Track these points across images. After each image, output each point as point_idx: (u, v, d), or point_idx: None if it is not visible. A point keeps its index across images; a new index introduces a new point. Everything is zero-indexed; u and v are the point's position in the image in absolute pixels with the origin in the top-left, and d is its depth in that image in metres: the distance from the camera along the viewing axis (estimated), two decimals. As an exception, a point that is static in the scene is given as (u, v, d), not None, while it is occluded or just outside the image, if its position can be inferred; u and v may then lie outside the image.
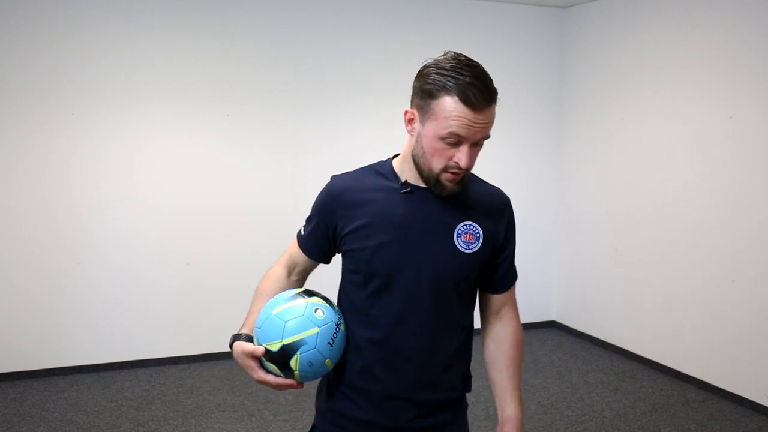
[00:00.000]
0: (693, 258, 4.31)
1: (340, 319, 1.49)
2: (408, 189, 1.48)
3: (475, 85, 1.35)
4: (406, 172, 1.50)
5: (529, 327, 5.64)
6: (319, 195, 1.59)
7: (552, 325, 5.70)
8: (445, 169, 1.41)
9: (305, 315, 1.43)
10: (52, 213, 4.35)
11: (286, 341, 1.41)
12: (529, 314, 5.65)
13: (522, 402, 1.60)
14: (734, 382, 4.07)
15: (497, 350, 1.62)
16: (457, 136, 1.37)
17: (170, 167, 4.56)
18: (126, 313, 4.55)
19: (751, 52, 3.89)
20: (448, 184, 1.43)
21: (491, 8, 5.26)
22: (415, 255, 1.47)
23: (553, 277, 5.69)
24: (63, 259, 4.39)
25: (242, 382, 4.25)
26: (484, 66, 1.44)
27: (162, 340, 4.63)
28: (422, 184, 1.48)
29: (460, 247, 1.49)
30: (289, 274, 1.63)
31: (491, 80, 1.39)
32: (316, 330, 1.42)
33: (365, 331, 1.51)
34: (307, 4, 4.78)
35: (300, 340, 1.41)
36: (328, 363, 1.46)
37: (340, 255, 1.61)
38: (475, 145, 1.43)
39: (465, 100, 1.34)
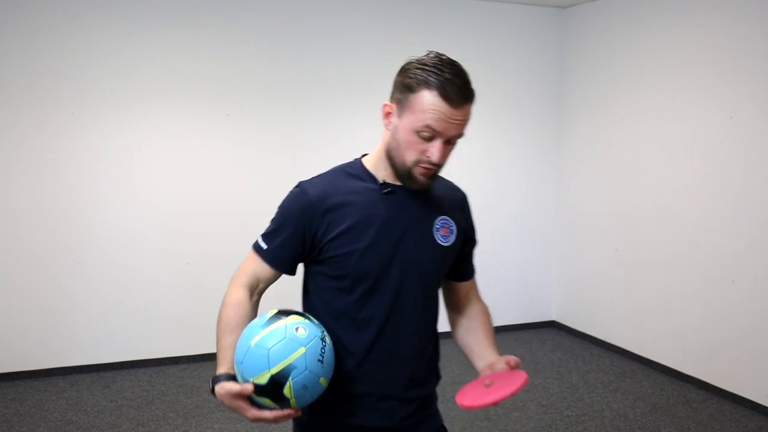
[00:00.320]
0: (693, 258, 4.31)
1: (323, 332, 1.41)
2: (389, 189, 1.50)
3: (454, 82, 1.39)
4: (381, 171, 1.51)
5: (529, 327, 5.64)
6: (289, 203, 1.51)
7: (552, 325, 5.70)
8: (417, 163, 1.43)
9: (287, 337, 1.34)
10: (52, 213, 4.35)
11: (274, 370, 1.31)
12: (529, 314, 5.65)
13: None
14: (734, 382, 4.07)
15: (471, 321, 1.68)
16: (432, 130, 1.39)
17: (170, 167, 4.56)
18: (126, 313, 4.54)
19: (751, 52, 3.89)
20: (420, 178, 1.45)
21: (491, 8, 5.27)
22: (401, 254, 1.49)
23: (553, 277, 5.69)
24: (63, 259, 4.39)
25: (242, 382, 4.25)
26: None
27: (162, 340, 4.63)
28: (400, 183, 1.50)
29: (439, 242, 1.54)
30: (251, 294, 1.52)
31: (470, 80, 1.44)
32: (302, 350, 1.34)
33: (354, 335, 1.50)
34: (307, 4, 4.78)
35: (289, 365, 1.32)
36: (323, 381, 1.38)
37: (309, 263, 1.55)
38: (449, 143, 1.45)
39: (443, 94, 1.38)
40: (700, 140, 4.24)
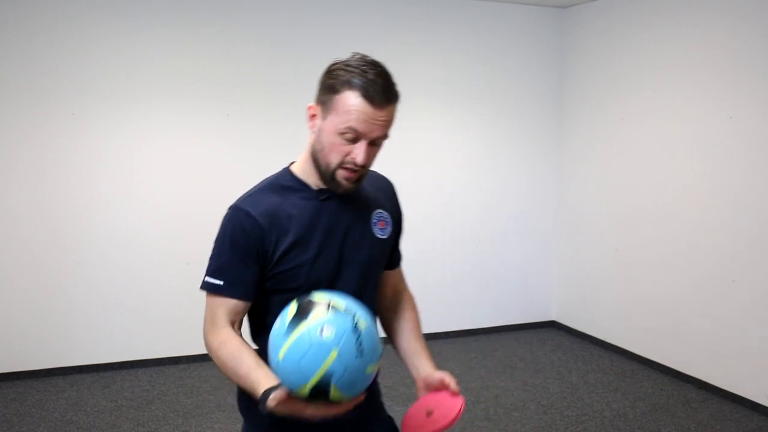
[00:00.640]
0: (693, 258, 4.31)
1: (354, 318, 1.28)
2: (325, 196, 1.50)
3: (377, 83, 1.38)
4: (312, 177, 1.50)
5: (529, 327, 5.64)
6: (234, 228, 1.45)
7: (552, 325, 5.70)
8: (341, 165, 1.43)
9: (313, 344, 1.23)
10: (52, 213, 4.35)
11: (312, 382, 1.22)
12: (529, 314, 5.66)
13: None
14: (734, 382, 4.07)
15: (401, 319, 1.72)
16: (355, 131, 1.39)
17: (170, 167, 4.56)
18: (126, 313, 4.54)
19: (751, 52, 3.89)
20: (343, 182, 1.45)
21: (491, 8, 5.26)
22: (348, 255, 1.51)
23: (553, 277, 5.69)
24: (63, 259, 4.39)
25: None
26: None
27: (162, 340, 4.63)
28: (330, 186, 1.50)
29: (378, 236, 1.57)
30: (234, 330, 1.48)
31: (394, 81, 1.43)
32: (334, 354, 1.22)
33: None
34: (307, 4, 4.78)
35: (325, 374, 1.22)
36: (370, 369, 1.27)
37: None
38: (373, 144, 1.44)
39: (365, 95, 1.37)
40: (700, 140, 4.24)
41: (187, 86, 4.56)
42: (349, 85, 1.39)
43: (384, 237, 1.58)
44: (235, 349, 1.40)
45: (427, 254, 5.27)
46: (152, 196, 4.54)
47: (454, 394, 1.53)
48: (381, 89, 1.39)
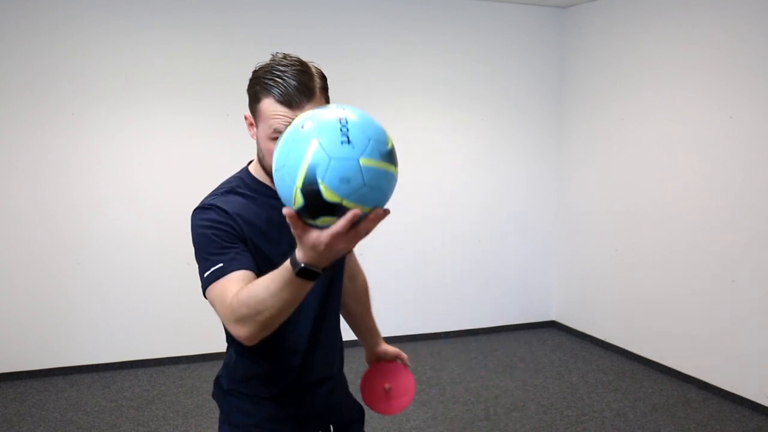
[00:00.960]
0: (693, 258, 4.31)
1: (339, 110, 1.16)
2: None
3: (290, 85, 1.39)
4: (267, 178, 1.54)
5: (529, 327, 5.64)
6: (210, 225, 1.44)
7: (552, 325, 5.70)
8: None
9: (295, 139, 1.11)
10: (52, 213, 4.35)
11: (299, 182, 1.10)
12: (529, 314, 5.66)
13: None
14: (734, 382, 4.07)
15: (356, 299, 1.87)
16: (280, 134, 1.38)
17: (170, 167, 4.56)
18: (126, 313, 4.55)
19: (751, 52, 3.89)
20: None
21: (491, 8, 5.27)
22: None
23: (553, 277, 5.69)
24: (63, 259, 4.39)
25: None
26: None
27: (162, 340, 4.63)
28: None
29: None
30: None
31: (312, 77, 1.42)
32: (314, 143, 1.09)
33: (293, 333, 1.52)
34: (307, 4, 4.78)
35: (309, 167, 1.09)
36: (366, 161, 1.11)
37: None
38: None
39: (282, 100, 1.39)
40: (700, 140, 4.24)
41: (187, 86, 4.56)
42: (266, 92, 1.41)
43: None
44: (249, 285, 1.32)
45: (427, 254, 5.27)
46: (152, 196, 4.54)
47: (405, 369, 1.67)
48: (296, 90, 1.39)
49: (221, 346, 5.13)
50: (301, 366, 1.56)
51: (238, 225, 1.46)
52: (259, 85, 1.43)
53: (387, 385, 1.65)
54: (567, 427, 3.71)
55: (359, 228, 1.12)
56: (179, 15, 4.50)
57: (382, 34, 4.99)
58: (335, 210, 1.09)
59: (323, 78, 1.46)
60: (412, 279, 5.23)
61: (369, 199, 1.11)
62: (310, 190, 1.08)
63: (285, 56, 1.45)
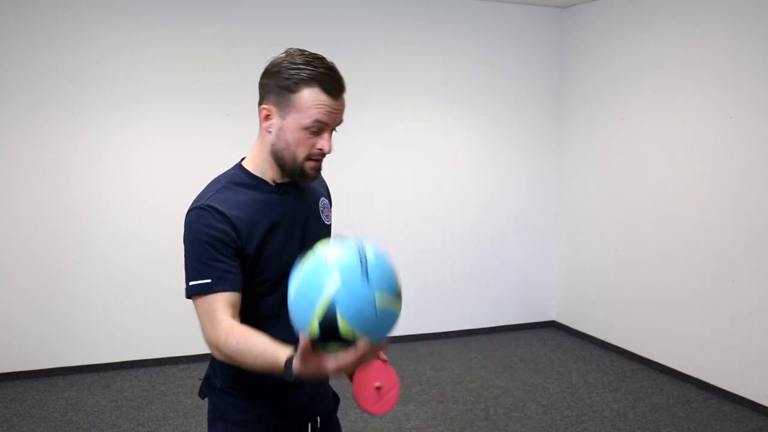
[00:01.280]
0: (693, 258, 4.31)
1: (359, 244, 1.24)
2: (284, 190, 1.57)
3: (330, 75, 1.47)
4: (268, 173, 1.56)
5: (529, 327, 5.64)
6: (206, 230, 1.45)
7: (552, 325, 5.70)
8: (308, 158, 1.51)
9: (318, 270, 1.18)
10: (52, 213, 4.35)
11: (319, 313, 1.15)
12: (529, 314, 5.66)
13: None
14: (734, 382, 4.07)
15: None
16: (321, 123, 1.47)
17: (170, 167, 4.56)
18: (126, 313, 4.54)
19: (751, 52, 3.89)
20: (311, 172, 1.53)
21: (491, 8, 5.27)
22: (308, 243, 1.55)
23: (553, 277, 5.69)
24: (63, 259, 4.39)
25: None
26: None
27: (162, 340, 4.63)
28: (284, 180, 1.57)
29: (325, 222, 1.68)
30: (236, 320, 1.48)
31: (339, 70, 1.52)
32: (336, 277, 1.15)
33: (284, 329, 1.49)
34: (307, 4, 4.78)
35: (330, 301, 1.14)
36: (382, 301, 1.17)
37: None
38: (332, 132, 1.53)
39: (324, 89, 1.45)
40: (700, 140, 4.24)
41: (187, 86, 4.56)
42: (305, 82, 1.45)
43: (329, 223, 1.70)
44: (244, 334, 1.39)
45: (427, 254, 5.27)
46: (152, 196, 4.54)
47: (384, 363, 1.61)
48: (336, 81, 1.48)
49: (221, 346, 5.10)
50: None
51: (234, 229, 1.47)
52: (294, 76, 1.45)
53: (377, 384, 1.66)
54: (567, 427, 3.71)
55: (361, 357, 1.23)
56: (179, 15, 4.50)
57: (382, 34, 4.99)
58: (346, 340, 1.17)
59: None
60: (412, 279, 5.22)
61: (377, 332, 1.18)
62: (329, 322, 1.15)
63: (303, 51, 1.50)
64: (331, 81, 1.46)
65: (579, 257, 5.41)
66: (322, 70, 1.46)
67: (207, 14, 4.56)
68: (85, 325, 4.47)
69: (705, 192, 4.22)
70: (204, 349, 4.81)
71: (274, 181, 1.57)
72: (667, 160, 4.49)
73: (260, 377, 1.52)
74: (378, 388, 1.59)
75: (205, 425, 3.78)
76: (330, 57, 1.58)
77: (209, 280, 1.44)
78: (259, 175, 1.57)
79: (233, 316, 1.45)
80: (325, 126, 1.48)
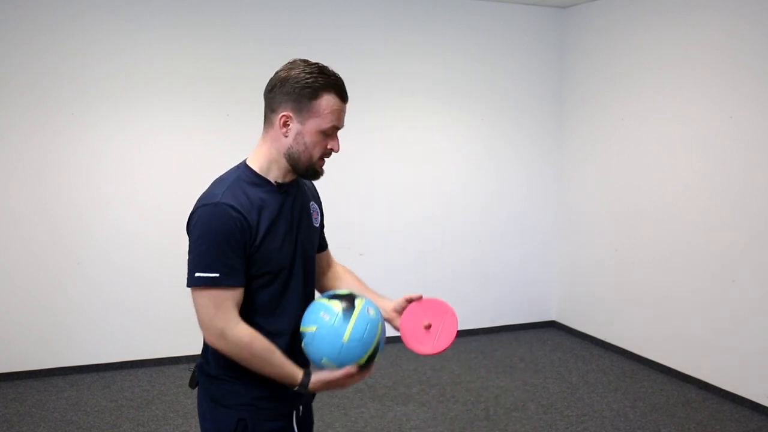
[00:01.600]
0: (693, 258, 4.31)
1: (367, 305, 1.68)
2: (284, 190, 1.70)
3: (341, 82, 1.65)
4: (273, 173, 1.69)
5: (529, 327, 5.64)
6: (223, 223, 1.56)
7: (552, 325, 5.70)
8: (321, 157, 1.68)
9: (369, 322, 1.63)
10: (52, 213, 4.35)
11: (369, 352, 1.63)
12: (529, 314, 5.66)
13: None
14: (734, 382, 4.07)
15: (342, 278, 1.97)
16: (335, 127, 1.65)
17: (170, 167, 4.56)
18: (126, 313, 4.54)
19: (751, 52, 3.89)
20: (321, 170, 1.71)
21: (491, 8, 5.27)
22: (300, 241, 1.72)
23: (553, 276, 5.69)
24: (63, 259, 4.39)
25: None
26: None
27: (162, 340, 4.63)
28: (285, 180, 1.70)
29: (314, 224, 1.81)
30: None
31: None
32: (381, 325, 1.66)
33: (280, 318, 1.68)
34: (307, 4, 4.78)
35: (377, 342, 1.64)
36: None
37: None
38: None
39: (339, 95, 1.63)
40: (700, 140, 4.24)
41: (187, 86, 4.56)
42: (325, 89, 1.61)
43: (317, 225, 1.83)
44: (267, 344, 1.60)
45: (427, 254, 5.27)
46: (152, 196, 4.54)
47: (430, 300, 1.84)
48: (343, 86, 1.66)
49: (221, 346, 5.08)
50: (288, 347, 1.67)
51: (246, 225, 1.58)
52: (311, 84, 1.59)
53: (425, 322, 1.77)
54: (567, 427, 3.71)
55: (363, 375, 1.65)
56: (179, 15, 4.50)
57: (382, 34, 4.99)
58: (365, 367, 1.65)
59: None
60: (412, 279, 5.22)
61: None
62: (372, 356, 1.63)
63: (307, 61, 1.66)
64: (342, 88, 1.64)
65: (579, 257, 5.41)
66: (333, 78, 1.63)
67: (207, 14, 4.56)
68: (85, 325, 4.47)
69: (705, 192, 4.22)
70: (204, 349, 4.79)
71: (276, 181, 1.68)
72: (667, 160, 4.49)
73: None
74: (427, 327, 1.78)
75: (205, 425, 3.77)
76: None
77: (217, 274, 1.55)
78: (263, 175, 1.68)
79: (238, 310, 1.60)
80: (336, 129, 1.66)
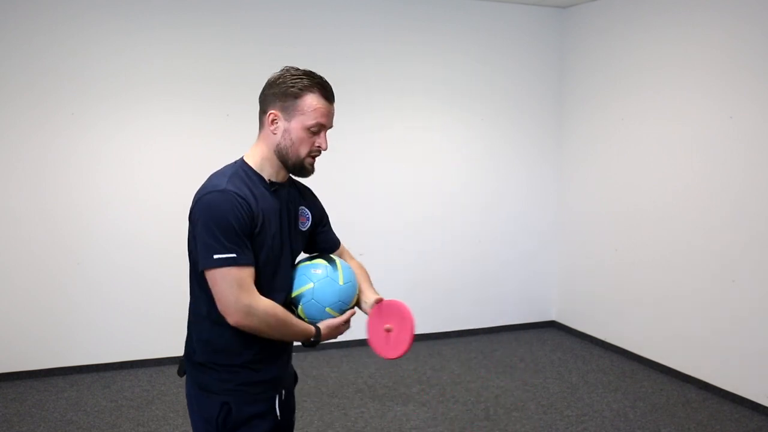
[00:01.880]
0: (693, 258, 4.31)
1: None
2: (276, 188, 1.82)
3: (325, 84, 1.78)
4: (267, 171, 1.81)
5: (529, 327, 5.64)
6: (230, 210, 1.67)
7: (552, 325, 5.70)
8: (309, 154, 1.79)
9: (351, 268, 1.94)
10: (52, 213, 4.35)
11: (358, 289, 1.93)
12: (529, 314, 5.66)
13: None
14: (734, 382, 4.07)
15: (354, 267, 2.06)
16: (321, 125, 1.77)
17: (170, 167, 4.56)
18: (126, 313, 4.54)
19: (751, 52, 3.89)
20: (310, 167, 1.82)
21: (491, 8, 5.27)
22: (287, 237, 1.85)
23: (553, 276, 5.69)
24: (63, 259, 4.39)
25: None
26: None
27: (162, 340, 4.63)
28: (278, 180, 1.83)
29: (301, 228, 1.92)
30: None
31: None
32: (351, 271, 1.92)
33: None
34: (307, 4, 4.78)
35: (356, 296, 1.93)
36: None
37: None
38: (326, 133, 1.82)
39: (323, 95, 1.76)
40: (700, 140, 4.24)
41: (187, 86, 4.56)
42: (308, 89, 1.74)
43: (304, 230, 1.94)
44: (284, 309, 1.75)
45: (427, 254, 5.27)
46: (152, 196, 4.54)
47: (387, 302, 1.89)
48: (330, 89, 1.78)
49: (221, 346, 5.07)
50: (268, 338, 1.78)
51: (250, 212, 1.70)
52: (297, 84, 1.73)
53: (387, 326, 1.83)
54: (567, 427, 3.71)
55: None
56: (179, 15, 4.50)
57: (382, 34, 4.99)
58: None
59: None
60: (412, 279, 5.23)
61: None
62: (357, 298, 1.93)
63: (297, 68, 1.79)
64: (327, 88, 1.77)
65: (579, 257, 5.41)
66: (318, 79, 1.76)
67: (207, 14, 4.56)
68: (85, 325, 4.47)
69: (705, 192, 4.22)
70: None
71: (269, 180, 1.81)
72: (667, 160, 4.49)
73: (236, 352, 1.75)
74: (388, 331, 1.83)
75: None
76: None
77: (234, 255, 1.65)
78: (259, 172, 1.80)
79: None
80: (322, 127, 1.77)
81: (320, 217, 2.02)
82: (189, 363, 1.83)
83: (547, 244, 5.65)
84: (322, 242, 2.03)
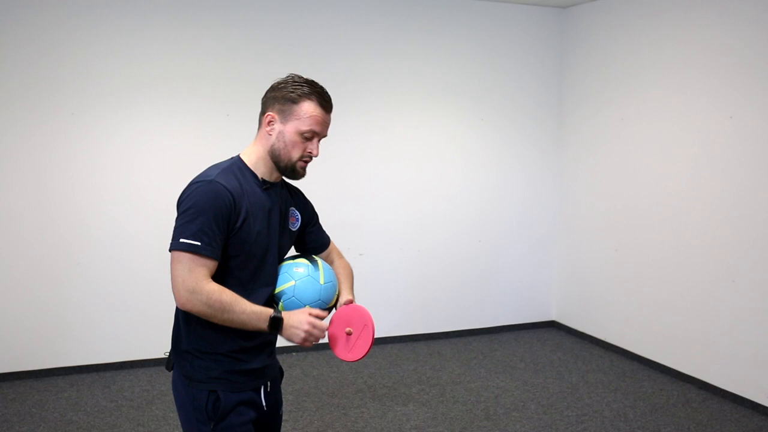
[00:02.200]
0: (693, 258, 4.31)
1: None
2: (267, 186, 1.88)
3: (324, 94, 1.85)
4: (260, 169, 1.88)
5: (529, 327, 5.64)
6: (212, 198, 1.72)
7: (552, 325, 5.70)
8: (300, 158, 1.86)
9: (332, 269, 2.01)
10: (52, 213, 4.35)
11: (338, 290, 1.98)
12: (529, 314, 5.66)
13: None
14: (734, 382, 4.07)
15: (334, 268, 2.11)
16: (314, 132, 1.84)
17: (170, 167, 4.56)
18: (126, 313, 4.54)
19: (751, 52, 3.89)
20: (300, 171, 1.89)
21: (491, 8, 5.27)
22: (274, 236, 1.90)
23: (553, 276, 5.69)
24: (63, 259, 4.39)
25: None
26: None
27: (162, 340, 4.59)
28: (271, 179, 1.89)
29: (291, 228, 1.99)
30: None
31: None
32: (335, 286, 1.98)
33: (250, 300, 1.81)
34: (307, 4, 4.78)
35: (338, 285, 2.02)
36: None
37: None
38: (319, 141, 1.89)
39: (320, 103, 1.83)
40: (700, 140, 4.24)
41: (187, 86, 4.56)
42: (306, 96, 1.81)
43: (293, 230, 2.00)
44: (235, 294, 1.74)
45: (427, 254, 5.27)
46: (152, 196, 4.54)
47: (355, 306, 1.92)
48: (328, 99, 1.85)
49: (221, 346, 5.06)
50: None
51: (234, 205, 1.75)
52: (297, 90, 1.80)
53: (347, 329, 1.88)
54: (567, 427, 3.71)
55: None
56: (179, 15, 4.50)
57: (382, 34, 4.99)
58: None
59: None
60: (411, 279, 5.23)
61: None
62: (336, 299, 1.97)
63: (301, 76, 1.85)
64: (325, 98, 1.83)
65: (579, 257, 5.41)
66: (318, 89, 1.83)
67: (207, 14, 4.56)
68: (85, 325, 4.47)
69: (705, 192, 4.22)
70: (204, 349, 4.77)
71: (262, 178, 1.87)
72: (667, 160, 4.49)
73: (221, 339, 1.80)
74: (349, 333, 1.88)
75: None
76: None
77: (199, 243, 1.71)
78: (252, 170, 1.87)
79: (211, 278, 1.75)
80: (316, 134, 1.84)
81: (310, 217, 2.09)
82: (175, 354, 1.91)
83: (547, 244, 5.65)
84: (311, 242, 2.09)
